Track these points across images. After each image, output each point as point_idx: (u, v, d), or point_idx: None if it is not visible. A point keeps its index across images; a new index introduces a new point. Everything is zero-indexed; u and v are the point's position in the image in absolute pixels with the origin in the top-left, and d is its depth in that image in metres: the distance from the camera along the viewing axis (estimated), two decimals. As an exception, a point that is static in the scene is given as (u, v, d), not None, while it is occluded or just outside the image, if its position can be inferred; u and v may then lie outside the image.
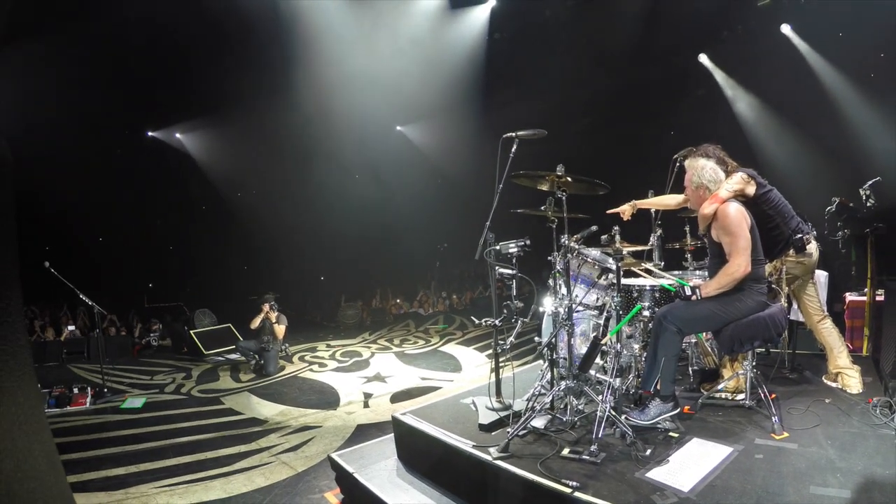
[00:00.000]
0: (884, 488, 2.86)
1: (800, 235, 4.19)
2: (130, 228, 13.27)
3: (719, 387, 4.25)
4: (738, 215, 3.69)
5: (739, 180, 4.01)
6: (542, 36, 11.41)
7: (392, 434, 4.46)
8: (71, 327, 11.44)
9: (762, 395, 3.83)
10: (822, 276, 4.94)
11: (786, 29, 10.61)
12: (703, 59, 12.03)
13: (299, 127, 13.05)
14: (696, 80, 12.16)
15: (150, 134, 13.84)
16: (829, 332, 4.44)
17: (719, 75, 11.99)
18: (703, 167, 3.91)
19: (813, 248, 4.28)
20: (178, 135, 14.06)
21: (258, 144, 13.75)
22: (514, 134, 3.88)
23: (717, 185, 3.87)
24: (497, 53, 11.89)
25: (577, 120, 13.05)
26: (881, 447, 3.32)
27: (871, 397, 4.00)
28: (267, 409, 7.24)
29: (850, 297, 6.66)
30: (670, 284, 3.97)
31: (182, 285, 14.37)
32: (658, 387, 3.74)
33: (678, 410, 3.78)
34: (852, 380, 4.25)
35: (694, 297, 3.72)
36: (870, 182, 5.44)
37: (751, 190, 4.03)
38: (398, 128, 15.58)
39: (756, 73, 11.21)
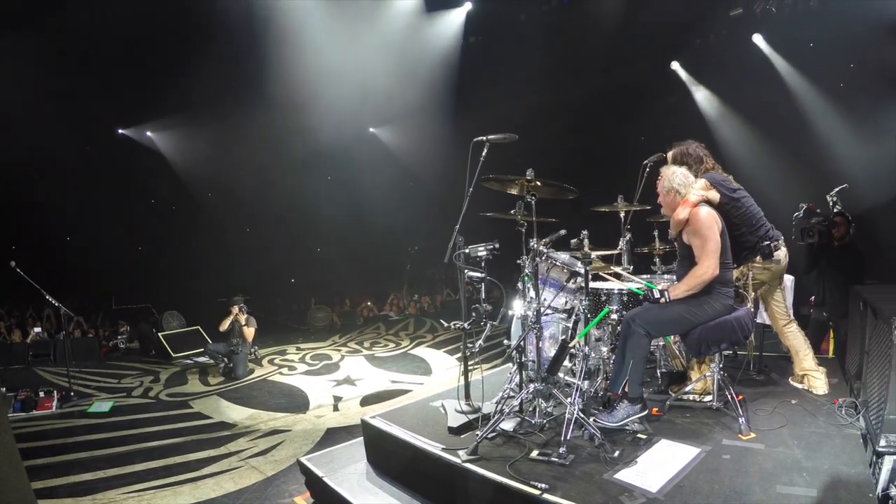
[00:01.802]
0: (849, 487, 2.90)
1: (767, 242, 4.23)
2: (99, 228, 12.97)
3: (687, 388, 4.29)
4: (709, 219, 3.74)
5: (702, 186, 4.03)
6: (516, 40, 11.45)
7: (362, 437, 4.43)
8: (37, 329, 11.17)
9: (729, 396, 3.87)
10: (788, 280, 4.99)
11: (757, 38, 10.81)
12: (675, 66, 12.19)
13: (272, 127, 12.96)
14: (667, 86, 12.31)
15: (120, 131, 13.57)
16: (794, 336, 4.50)
17: (691, 82, 12.16)
18: (674, 172, 3.98)
19: (781, 254, 4.32)
20: (148, 133, 13.80)
21: (230, 145, 13.56)
22: (484, 138, 3.88)
23: (687, 189, 3.92)
24: (471, 57, 11.94)
25: (550, 124, 13.13)
26: (846, 447, 3.38)
27: (836, 398, 4.09)
28: (236, 413, 7.17)
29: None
30: (639, 288, 3.99)
31: (151, 286, 14.09)
32: (626, 389, 3.76)
33: (646, 412, 3.80)
34: (818, 381, 4.32)
35: (663, 300, 3.75)
36: (837, 189, 5.54)
37: (713, 195, 4.02)
38: (371, 129, 15.52)
39: (727, 80, 11.39)
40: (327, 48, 10.76)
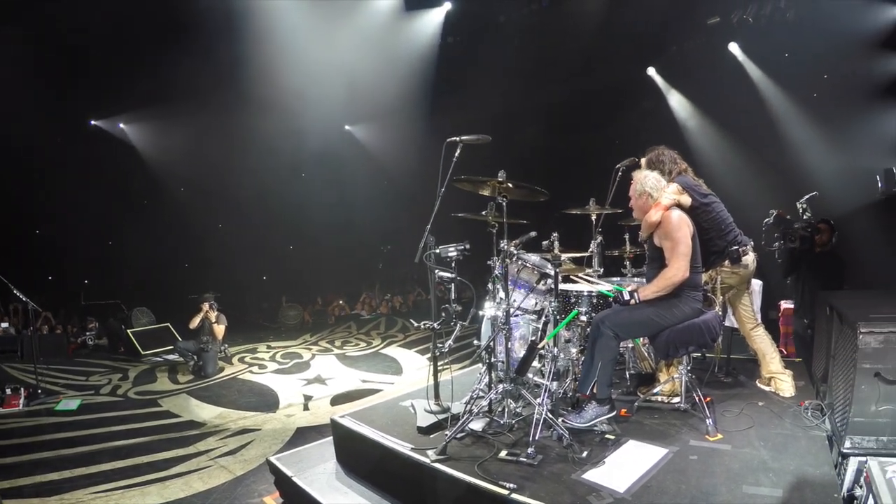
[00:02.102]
0: (815, 487, 2.95)
1: (736, 247, 4.28)
2: (68, 221, 12.72)
3: (655, 390, 4.33)
4: (680, 222, 3.78)
5: (675, 190, 4.08)
6: (494, 42, 11.49)
7: (331, 437, 4.41)
8: (4, 324, 10.93)
9: (697, 398, 3.91)
10: (756, 284, 5.07)
11: (733, 47, 10.94)
12: (651, 71, 12.29)
13: (246, 123, 12.82)
14: (643, 92, 12.41)
15: (93, 123, 13.28)
16: (761, 339, 4.56)
17: (666, 88, 12.27)
18: (646, 176, 4.02)
19: (749, 259, 4.37)
20: (121, 125, 13.51)
21: (204, 139, 13.34)
22: (458, 138, 3.87)
23: (659, 193, 3.95)
24: (449, 57, 11.93)
25: (525, 126, 13.19)
26: (812, 448, 3.44)
27: (802, 401, 4.15)
28: (205, 412, 7.09)
29: (784, 304, 6.90)
30: (608, 290, 4.01)
31: (120, 282, 13.84)
32: (595, 390, 3.78)
33: (614, 413, 3.84)
34: (784, 384, 4.38)
35: (632, 302, 3.78)
36: (807, 196, 5.63)
37: (685, 200, 4.09)
38: (346, 127, 15.43)
39: (702, 88, 11.51)
40: (304, 44, 10.69)
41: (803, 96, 10.40)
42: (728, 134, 11.14)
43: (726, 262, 4.33)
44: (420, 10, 11.32)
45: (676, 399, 4.17)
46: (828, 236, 6.41)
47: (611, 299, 3.99)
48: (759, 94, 10.83)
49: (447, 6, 11.25)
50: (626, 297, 3.79)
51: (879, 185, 9.40)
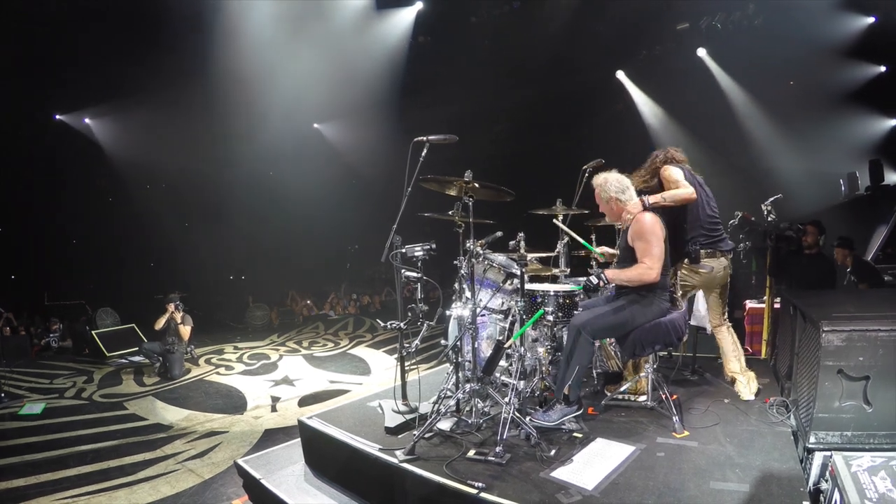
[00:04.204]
0: (781, 482, 2.99)
1: (696, 247, 4.29)
2: (31, 219, 12.41)
3: (622, 388, 4.36)
4: (653, 225, 3.81)
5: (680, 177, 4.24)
6: (465, 42, 11.52)
7: (299, 438, 4.37)
8: (-37, 326, 10.67)
9: (663, 396, 3.95)
10: None
11: (701, 52, 11.14)
12: (621, 74, 12.44)
13: (214, 119, 12.60)
14: (611, 94, 12.56)
15: (57, 117, 12.91)
16: (723, 338, 4.60)
17: (634, 91, 12.44)
18: (606, 181, 4.04)
19: (715, 264, 4.32)
20: (86, 120, 13.16)
21: (170, 136, 13.07)
22: (425, 138, 3.85)
23: (625, 195, 3.99)
24: (419, 56, 11.89)
25: (494, 127, 13.25)
26: (778, 443, 3.49)
27: (767, 397, 4.21)
28: (172, 415, 7.01)
29: (749, 304, 7.03)
30: (577, 284, 4.05)
31: (85, 282, 13.53)
32: (566, 392, 3.82)
33: (582, 411, 3.87)
34: (742, 386, 4.41)
35: (601, 283, 3.82)
36: (771, 198, 5.74)
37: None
38: (315, 125, 15.32)
39: (670, 91, 11.70)
40: (274, 41, 10.58)
41: (769, 101, 10.62)
42: (695, 137, 11.30)
43: (685, 261, 4.35)
44: (391, 9, 11.26)
45: (643, 397, 4.20)
46: (814, 238, 6.54)
47: (581, 290, 4.01)
48: (726, 98, 11.04)
49: (418, 5, 11.21)
50: (595, 280, 3.81)
51: (842, 188, 9.66)
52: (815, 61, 9.53)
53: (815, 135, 10.09)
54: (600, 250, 4.33)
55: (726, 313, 4.60)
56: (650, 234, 3.77)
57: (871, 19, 9.06)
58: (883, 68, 9.55)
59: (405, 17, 11.38)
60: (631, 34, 10.79)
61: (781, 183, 7.69)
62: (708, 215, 4.34)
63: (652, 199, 4.06)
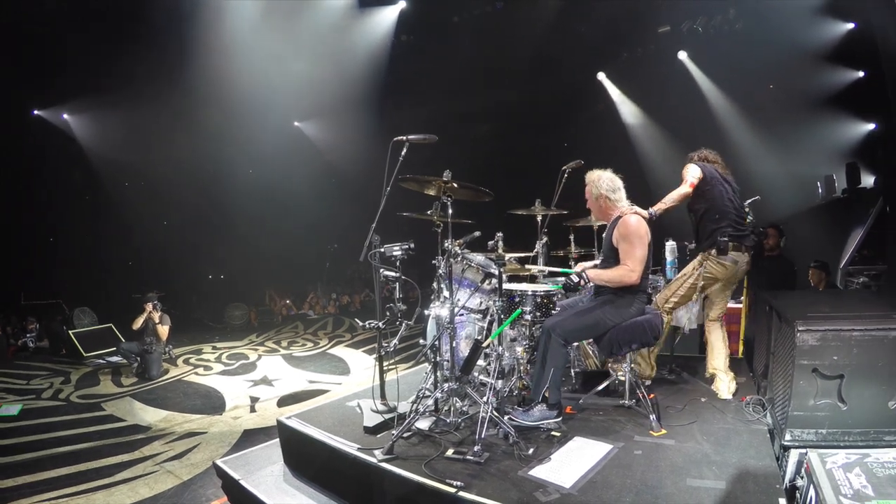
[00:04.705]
0: (757, 479, 3.03)
1: (725, 239, 4.33)
2: (7, 216, 12.20)
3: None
4: (639, 228, 3.85)
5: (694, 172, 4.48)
6: (447, 42, 11.50)
7: (278, 439, 4.34)
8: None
9: (640, 395, 3.98)
10: None
11: (682, 55, 11.23)
12: (602, 76, 12.51)
13: (194, 117, 12.48)
14: (592, 96, 12.63)
15: (35, 113, 12.70)
16: (715, 335, 4.68)
17: (615, 93, 12.51)
18: (599, 178, 4.08)
19: (739, 257, 4.40)
20: (65, 115, 12.98)
21: (149, 133, 12.92)
22: (404, 137, 3.86)
23: (615, 195, 4.03)
24: (401, 56, 11.88)
25: (475, 126, 13.27)
26: (754, 441, 3.53)
27: (744, 396, 4.26)
28: (150, 415, 6.94)
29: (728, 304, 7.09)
30: (556, 283, 4.06)
31: (62, 281, 13.32)
32: (546, 394, 3.83)
33: (560, 419, 3.87)
34: (722, 384, 4.48)
35: (582, 282, 3.84)
36: (749, 200, 5.80)
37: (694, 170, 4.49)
38: (296, 123, 15.22)
39: (650, 93, 11.80)
40: (255, 38, 10.52)
41: (748, 104, 10.74)
42: (674, 139, 11.42)
43: (713, 251, 4.38)
44: (374, 8, 11.25)
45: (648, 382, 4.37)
46: (775, 240, 6.63)
47: (562, 287, 4.03)
48: (705, 101, 11.15)
49: (402, 4, 11.21)
50: (576, 279, 3.84)
51: (820, 190, 9.79)
52: (795, 66, 9.64)
53: (793, 138, 10.21)
54: (579, 268, 4.32)
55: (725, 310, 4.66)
56: (635, 236, 3.80)
57: (851, 25, 9.18)
58: (861, 73, 9.67)
59: (388, 16, 11.38)
60: (612, 36, 10.86)
61: (759, 185, 7.76)
62: (736, 208, 4.47)
63: (654, 208, 4.23)
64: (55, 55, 10.55)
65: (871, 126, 9.94)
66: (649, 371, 4.72)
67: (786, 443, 3.21)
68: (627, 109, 12.47)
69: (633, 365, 4.27)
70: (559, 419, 3.84)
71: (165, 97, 11.79)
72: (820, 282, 7.30)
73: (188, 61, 10.66)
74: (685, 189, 4.43)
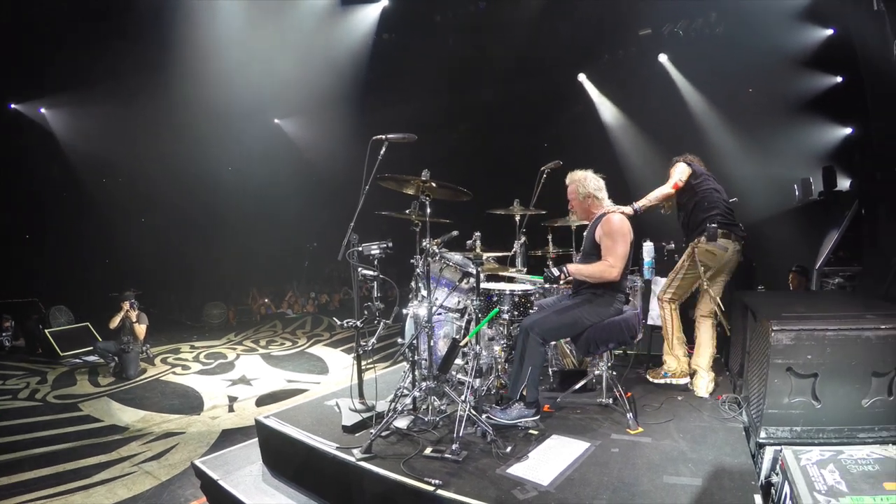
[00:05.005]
0: (733, 476, 3.07)
1: (714, 226, 4.43)
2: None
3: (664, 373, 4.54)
4: (622, 226, 3.91)
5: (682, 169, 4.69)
6: (429, 40, 11.49)
7: (257, 438, 4.33)
8: None
9: (617, 393, 4.03)
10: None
11: (663, 58, 11.30)
12: (582, 77, 12.55)
13: (172, 113, 12.29)
14: (573, 97, 12.67)
15: (12, 106, 12.38)
16: (705, 329, 4.72)
17: (595, 94, 12.55)
18: (585, 178, 4.17)
19: (729, 245, 4.49)
20: (42, 109, 12.68)
21: (128, 129, 12.68)
22: (384, 136, 3.87)
23: (601, 193, 4.13)
24: (383, 54, 11.80)
25: (456, 126, 13.28)
26: (730, 438, 3.58)
27: (720, 394, 4.31)
28: (128, 416, 6.87)
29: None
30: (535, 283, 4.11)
31: (38, 279, 13.07)
32: (524, 393, 3.85)
33: (538, 417, 3.89)
34: (701, 381, 4.53)
35: (562, 276, 3.87)
36: (728, 202, 5.88)
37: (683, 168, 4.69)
38: (276, 120, 15.08)
39: (631, 95, 11.85)
40: (236, 34, 10.41)
41: (727, 108, 10.84)
42: (654, 141, 11.50)
43: (703, 238, 4.46)
44: (356, 5, 11.18)
45: (685, 380, 4.50)
46: None
47: (543, 281, 4.07)
48: (685, 103, 11.22)
49: (384, 2, 11.15)
50: (556, 272, 3.86)
51: (796, 193, 9.92)
52: (774, 70, 9.74)
53: (771, 141, 10.32)
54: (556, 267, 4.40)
55: (720, 306, 4.70)
56: (618, 233, 3.85)
57: (830, 31, 9.29)
58: (839, 79, 9.79)
59: (370, 14, 11.29)
60: (594, 38, 10.90)
61: (738, 187, 7.82)
62: (725, 200, 4.59)
63: (638, 203, 4.36)
64: (33, 47, 10.36)
65: (848, 131, 10.07)
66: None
67: (761, 440, 3.25)
68: (607, 111, 12.52)
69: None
70: (537, 417, 3.86)
71: (145, 93, 11.64)
72: (799, 286, 7.45)
73: (169, 57, 10.51)
74: (668, 189, 4.57)
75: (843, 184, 9.03)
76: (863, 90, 8.05)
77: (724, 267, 4.58)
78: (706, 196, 4.57)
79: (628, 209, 4.31)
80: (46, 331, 10.20)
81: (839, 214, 7.99)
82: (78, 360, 9.80)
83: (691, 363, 4.76)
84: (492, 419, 3.76)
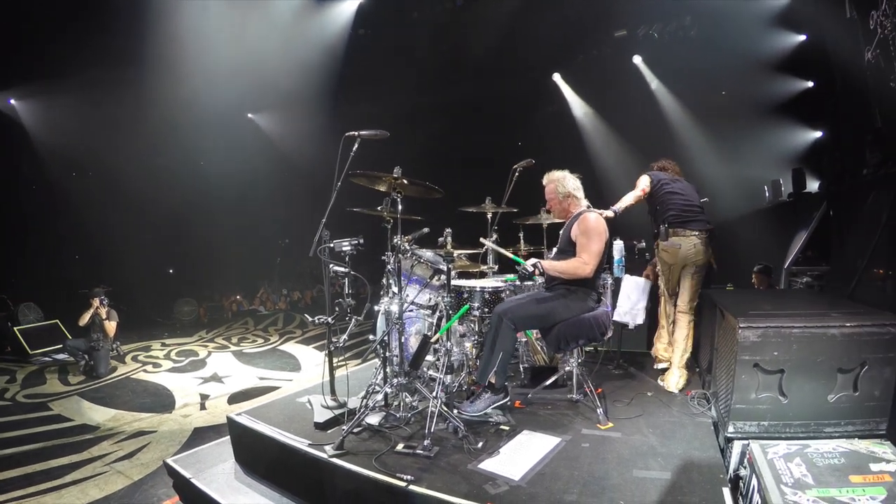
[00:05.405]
0: (702, 469, 3.13)
1: (665, 226, 4.65)
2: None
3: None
4: (598, 225, 3.98)
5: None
6: (405, 37, 11.50)
7: (229, 436, 4.30)
8: None
9: (588, 389, 4.09)
10: (641, 282, 5.38)
11: (637, 60, 11.43)
12: (557, 77, 12.67)
13: (145, 106, 12.08)
14: (547, 96, 12.78)
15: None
16: (680, 327, 4.81)
17: (570, 94, 12.68)
18: (564, 178, 4.24)
19: (684, 242, 4.64)
20: (11, 101, 12.35)
21: (99, 122, 12.41)
22: (356, 133, 3.87)
23: (580, 192, 4.20)
24: (358, 49, 11.76)
25: (430, 123, 13.28)
26: (698, 433, 3.65)
27: (689, 390, 4.38)
28: (98, 415, 6.79)
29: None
30: (513, 274, 4.16)
31: (5, 275, 12.76)
32: (492, 380, 3.91)
33: (508, 399, 3.96)
34: (671, 378, 4.62)
35: (537, 272, 3.89)
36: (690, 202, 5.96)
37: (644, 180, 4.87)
38: (249, 115, 14.93)
39: (605, 96, 11.97)
40: (210, 27, 10.28)
41: (700, 110, 10.99)
42: (626, 141, 11.64)
43: (658, 240, 4.73)
44: (333, 1, 11.16)
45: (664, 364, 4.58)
46: None
47: (517, 276, 4.07)
48: (658, 105, 11.37)
49: (360, -2, 11.16)
50: (530, 268, 3.88)
51: (767, 194, 10.10)
52: (747, 74, 9.89)
53: (743, 143, 10.48)
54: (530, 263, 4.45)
55: (696, 302, 4.79)
56: (593, 231, 3.92)
57: (802, 37, 9.46)
58: (810, 84, 9.95)
59: (346, 9, 11.24)
60: (569, 38, 10.98)
61: (709, 188, 7.95)
62: (680, 198, 4.73)
63: (616, 206, 4.59)
64: (2, 36, 10.11)
65: (818, 134, 10.26)
66: None
67: (729, 434, 3.31)
68: (581, 110, 12.63)
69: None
70: (507, 399, 3.94)
71: (118, 86, 11.42)
72: (761, 285, 7.60)
73: (142, 50, 10.35)
74: (637, 192, 4.80)
75: (813, 185, 9.20)
76: (833, 95, 8.25)
77: (686, 261, 4.69)
78: (663, 200, 4.75)
79: (609, 212, 4.47)
80: (15, 328, 9.99)
81: (808, 215, 8.13)
82: (48, 359, 9.66)
83: (660, 353, 5.04)
84: (463, 414, 3.80)
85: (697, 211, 4.76)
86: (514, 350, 4.39)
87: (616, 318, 5.13)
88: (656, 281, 5.19)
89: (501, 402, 3.92)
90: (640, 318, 5.35)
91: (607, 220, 4.24)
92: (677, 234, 4.64)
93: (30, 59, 10.80)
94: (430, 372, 4.21)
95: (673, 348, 4.81)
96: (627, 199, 4.76)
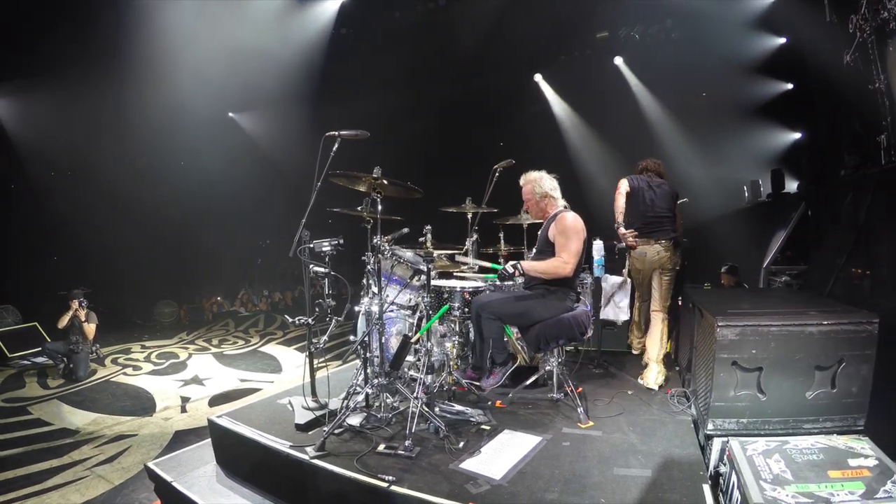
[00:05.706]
0: (682, 466, 3.17)
1: (624, 232, 4.77)
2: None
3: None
4: (576, 224, 4.02)
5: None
6: (387, 37, 11.48)
7: (210, 439, 4.28)
8: None
9: (568, 389, 4.11)
10: (619, 280, 5.46)
11: (618, 61, 11.51)
12: (538, 78, 12.72)
13: (124, 104, 11.95)
14: (529, 97, 12.82)
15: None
16: (654, 325, 4.90)
17: (551, 95, 12.73)
18: (541, 178, 4.27)
19: (649, 249, 4.82)
20: (-10, 99, 12.21)
21: (77, 120, 12.17)
22: (336, 133, 3.86)
23: (556, 192, 4.24)
24: (340, 49, 11.71)
25: (412, 123, 13.27)
26: (679, 431, 3.69)
27: (669, 389, 4.42)
28: (78, 418, 6.72)
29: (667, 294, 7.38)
30: (492, 273, 4.19)
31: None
32: (493, 357, 4.00)
33: (516, 364, 4.17)
34: (650, 374, 4.68)
35: (517, 273, 3.94)
36: (678, 202, 6.03)
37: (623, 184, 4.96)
38: (230, 114, 14.78)
39: (586, 96, 12.04)
40: (191, 25, 10.19)
41: (681, 111, 11.09)
42: (607, 141, 11.72)
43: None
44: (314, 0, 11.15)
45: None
46: None
47: (497, 277, 4.11)
48: (639, 105, 11.45)
49: (342, -3, 11.12)
50: (510, 269, 3.93)
51: (746, 194, 10.21)
52: (728, 76, 9.98)
53: (722, 144, 10.58)
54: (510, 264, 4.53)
55: (669, 302, 4.90)
56: (572, 231, 3.95)
57: (782, 40, 9.57)
58: (790, 86, 10.06)
59: (328, 8, 11.18)
60: (551, 39, 11.01)
61: (689, 188, 8.01)
62: (646, 209, 4.86)
63: (620, 219, 4.76)
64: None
65: (797, 135, 10.38)
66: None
67: (709, 432, 3.35)
68: (562, 111, 12.69)
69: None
70: (514, 364, 4.13)
71: (97, 82, 11.24)
72: (729, 284, 7.71)
73: (121, 47, 10.23)
74: (621, 201, 4.91)
75: (791, 186, 9.30)
76: (812, 97, 8.35)
77: (654, 266, 4.85)
78: (631, 211, 4.88)
79: (629, 233, 4.76)
80: (-8, 331, 9.86)
81: (786, 215, 8.23)
82: (26, 362, 9.53)
83: (636, 344, 5.25)
84: (482, 390, 4.10)
85: (663, 220, 4.89)
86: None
87: (603, 316, 5.25)
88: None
89: (510, 369, 4.10)
90: (623, 315, 5.51)
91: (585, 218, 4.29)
92: (644, 243, 4.81)
93: (7, 57, 10.63)
94: (411, 372, 4.20)
95: (649, 346, 4.87)
96: (619, 208, 4.85)
